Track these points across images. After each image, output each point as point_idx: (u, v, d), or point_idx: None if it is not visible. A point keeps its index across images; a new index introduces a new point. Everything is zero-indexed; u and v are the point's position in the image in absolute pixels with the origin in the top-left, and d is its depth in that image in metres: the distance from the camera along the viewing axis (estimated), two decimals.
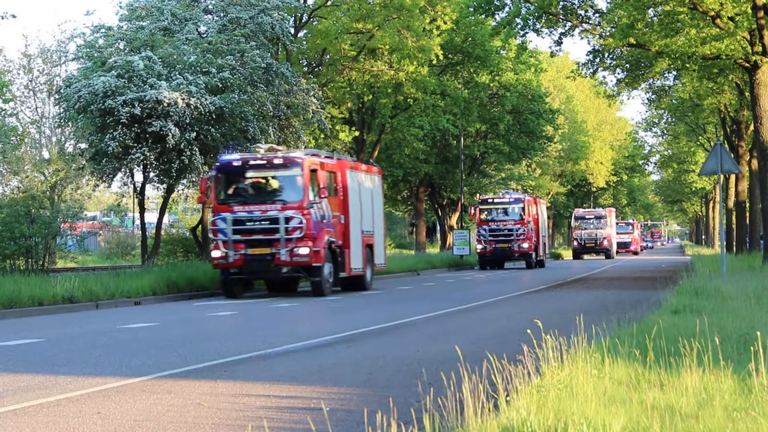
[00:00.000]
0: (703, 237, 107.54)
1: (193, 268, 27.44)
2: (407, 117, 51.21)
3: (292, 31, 39.86)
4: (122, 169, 30.69)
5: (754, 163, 38.64)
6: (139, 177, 32.03)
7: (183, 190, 33.99)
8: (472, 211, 49.58)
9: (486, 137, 62.76)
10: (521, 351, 8.56)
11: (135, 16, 32.70)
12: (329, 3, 41.88)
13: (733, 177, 51.27)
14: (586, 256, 70.90)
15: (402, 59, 41.33)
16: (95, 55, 30.83)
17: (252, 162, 25.02)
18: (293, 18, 40.22)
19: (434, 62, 46.17)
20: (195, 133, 29.13)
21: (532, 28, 30.95)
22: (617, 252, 77.14)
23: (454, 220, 63.90)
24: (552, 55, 36.65)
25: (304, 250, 24.39)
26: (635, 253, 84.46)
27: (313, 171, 24.87)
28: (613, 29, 29.92)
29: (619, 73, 38.07)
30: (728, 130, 49.70)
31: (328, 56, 43.04)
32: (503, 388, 7.31)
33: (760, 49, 28.04)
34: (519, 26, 30.80)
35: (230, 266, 24.81)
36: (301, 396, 9.18)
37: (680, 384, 7.50)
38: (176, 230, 40.29)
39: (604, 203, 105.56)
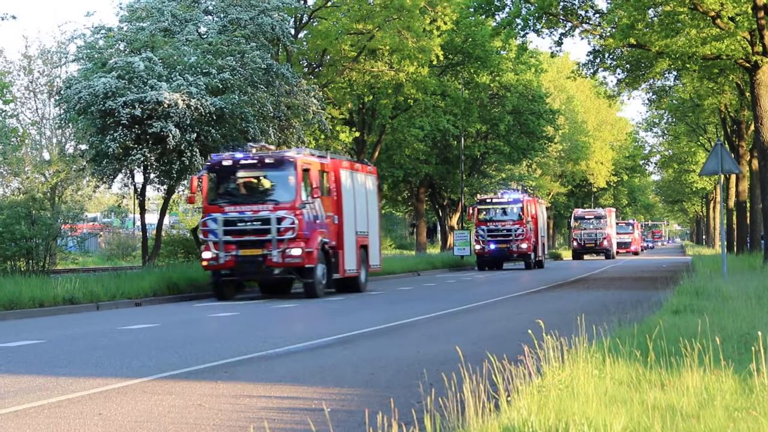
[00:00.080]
0: (704, 237, 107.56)
1: (193, 269, 27.38)
2: (408, 117, 51.23)
3: (293, 31, 39.87)
4: (123, 171, 30.72)
5: (755, 163, 38.62)
6: (139, 178, 32.07)
7: (183, 191, 33.98)
8: (471, 211, 49.44)
9: (486, 138, 62.77)
10: (522, 351, 8.56)
11: (135, 17, 32.71)
12: (329, 4, 41.89)
13: (733, 177, 51.26)
14: (586, 257, 70.84)
15: (402, 60, 41.33)
16: (95, 56, 30.83)
17: (243, 161, 24.60)
18: (293, 19, 40.23)
19: (434, 63, 46.19)
20: (195, 134, 29.13)
21: (532, 28, 30.96)
22: (617, 252, 77.10)
23: (454, 220, 63.91)
24: (552, 55, 36.64)
25: (296, 251, 23.92)
26: (635, 253, 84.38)
27: (306, 170, 24.43)
28: (614, 30, 29.92)
29: (619, 74, 38.10)
30: (729, 130, 49.70)
31: (328, 57, 43.04)
32: (504, 389, 7.31)
33: (760, 49, 28.04)
34: (519, 27, 30.80)
35: (221, 268, 24.32)
36: (302, 397, 9.18)
37: (681, 384, 7.50)
38: (177, 231, 40.26)
39: (605, 203, 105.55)
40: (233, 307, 21.92)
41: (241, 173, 24.72)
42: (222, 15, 33.15)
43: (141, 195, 32.40)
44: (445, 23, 43.48)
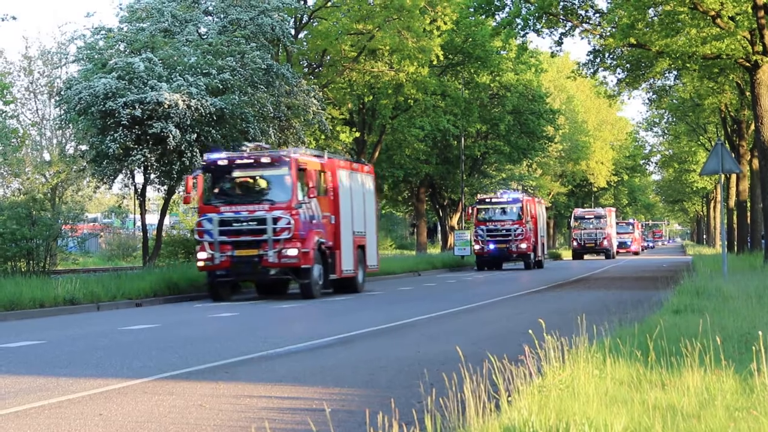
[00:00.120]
0: (704, 237, 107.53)
1: (194, 270, 27.28)
2: (408, 118, 51.23)
3: (293, 32, 39.87)
4: (123, 171, 30.72)
5: (755, 162, 38.62)
6: (139, 178, 32.08)
7: (183, 191, 33.97)
8: (470, 211, 49.27)
9: (486, 137, 62.77)
10: (522, 351, 8.56)
11: (135, 17, 32.70)
12: (329, 4, 41.89)
13: (734, 177, 51.24)
14: (586, 257, 70.76)
15: (402, 60, 41.33)
16: (96, 56, 30.83)
17: (238, 161, 24.28)
18: (293, 19, 40.24)
19: (435, 63, 46.18)
20: (196, 135, 29.14)
21: (532, 28, 30.95)
22: (618, 252, 77.03)
23: (455, 220, 63.91)
24: (552, 55, 36.63)
25: (292, 252, 23.64)
26: (636, 253, 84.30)
27: (302, 170, 24.02)
28: (614, 29, 29.92)
29: (619, 73, 38.11)
30: (729, 129, 49.69)
31: (328, 57, 43.05)
32: (505, 389, 7.31)
33: (760, 48, 28.04)
34: (519, 26, 30.80)
35: (216, 268, 23.97)
36: (303, 397, 9.18)
37: (682, 384, 7.50)
38: (177, 231, 40.24)
39: (605, 203, 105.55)
40: (233, 308, 21.91)
41: (236, 173, 24.47)
42: (222, 15, 33.15)
43: (141, 195, 32.41)
44: (445, 23, 43.48)
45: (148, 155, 29.04)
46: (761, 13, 27.28)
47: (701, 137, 65.94)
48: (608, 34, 30.59)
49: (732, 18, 27.83)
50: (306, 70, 42.65)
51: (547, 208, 60.06)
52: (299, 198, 23.94)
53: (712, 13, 27.20)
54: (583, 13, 31.67)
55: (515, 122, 60.63)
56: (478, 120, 56.73)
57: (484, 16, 35.38)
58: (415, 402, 8.37)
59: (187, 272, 26.94)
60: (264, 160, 24.13)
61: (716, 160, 22.80)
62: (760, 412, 6.48)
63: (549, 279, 34.99)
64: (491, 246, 46.74)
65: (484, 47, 51.52)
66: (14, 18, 46.64)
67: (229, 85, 29.84)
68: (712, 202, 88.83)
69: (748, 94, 36.84)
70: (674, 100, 54.84)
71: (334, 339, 14.34)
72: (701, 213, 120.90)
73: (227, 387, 9.76)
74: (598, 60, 34.93)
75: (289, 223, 23.61)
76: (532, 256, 47.66)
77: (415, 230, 68.07)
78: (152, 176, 31.23)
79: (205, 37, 32.24)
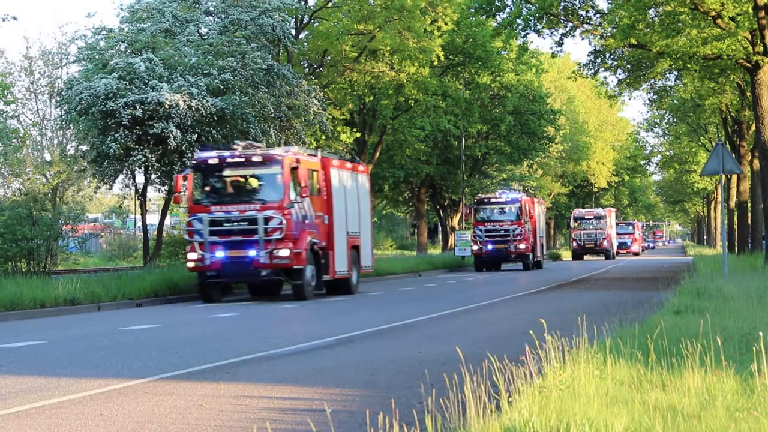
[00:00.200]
0: (705, 237, 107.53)
1: None
2: (408, 118, 51.23)
3: (293, 32, 39.88)
4: (124, 171, 30.73)
5: (756, 163, 38.62)
6: (140, 179, 32.10)
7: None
8: (468, 211, 49.05)
9: (487, 138, 62.77)
10: (523, 352, 8.55)
11: (136, 18, 32.72)
12: (330, 4, 41.90)
13: (734, 177, 51.25)
14: (586, 257, 70.71)
15: (403, 60, 41.34)
16: (96, 57, 30.85)
17: (229, 159, 23.73)
18: (294, 19, 40.25)
19: (435, 63, 46.18)
20: (196, 135, 29.15)
21: (533, 28, 30.96)
22: (618, 253, 76.97)
23: (455, 221, 63.89)
24: (553, 55, 36.60)
25: (284, 252, 23.15)
26: (636, 253, 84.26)
27: (294, 169, 23.40)
28: (614, 30, 29.93)
29: (620, 74, 38.09)
30: (730, 130, 49.68)
31: (329, 57, 43.05)
32: (505, 389, 7.31)
33: (761, 49, 28.04)
34: (520, 27, 30.79)
35: (207, 269, 23.51)
36: (304, 397, 9.18)
37: (682, 384, 7.50)
38: (178, 232, 40.25)
39: (606, 204, 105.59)
40: (233, 308, 21.91)
41: (227, 172, 23.93)
42: (223, 16, 33.16)
43: (142, 196, 32.42)
44: (446, 24, 43.48)
45: (149, 155, 29.05)
46: (762, 13, 27.29)
47: (702, 138, 65.94)
48: (609, 34, 30.59)
49: (733, 18, 27.83)
50: (307, 70, 42.66)
51: (547, 209, 60.07)
52: (291, 197, 23.48)
53: (713, 13, 27.21)
54: (583, 13, 31.68)
55: (516, 123, 60.63)
56: (479, 120, 56.72)
57: (484, 17, 35.36)
58: (416, 402, 8.37)
59: (187, 273, 26.87)
60: (255, 158, 23.66)
61: (717, 160, 22.80)
62: (761, 412, 6.48)
63: (549, 279, 34.98)
64: (489, 246, 46.46)
65: (485, 48, 51.53)
66: (15, 18, 46.72)
67: (230, 85, 29.86)
68: (713, 202, 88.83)
69: (748, 94, 36.84)
70: (675, 101, 54.82)
71: (335, 339, 14.34)
72: (702, 213, 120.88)
73: (228, 387, 9.76)
74: (598, 60, 34.93)
75: (280, 223, 23.18)
76: (530, 256, 47.41)
77: (416, 231, 68.10)
78: (153, 176, 31.24)
79: (206, 37, 32.26)
